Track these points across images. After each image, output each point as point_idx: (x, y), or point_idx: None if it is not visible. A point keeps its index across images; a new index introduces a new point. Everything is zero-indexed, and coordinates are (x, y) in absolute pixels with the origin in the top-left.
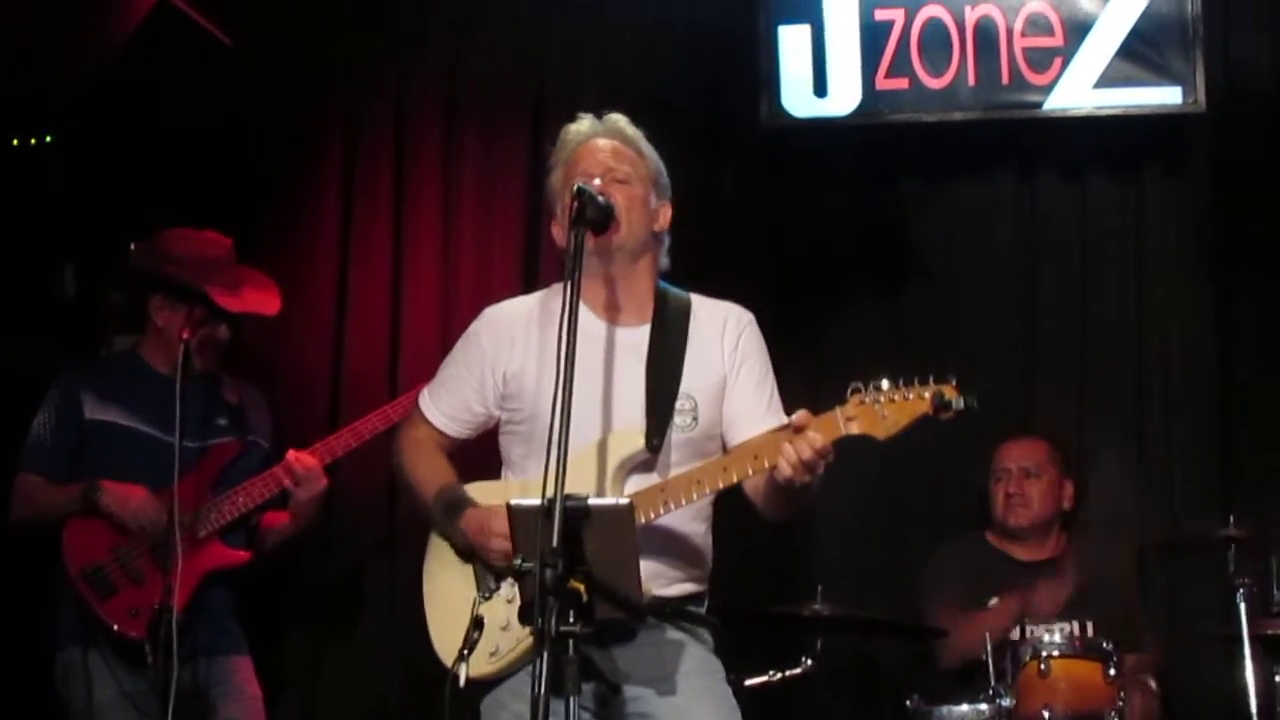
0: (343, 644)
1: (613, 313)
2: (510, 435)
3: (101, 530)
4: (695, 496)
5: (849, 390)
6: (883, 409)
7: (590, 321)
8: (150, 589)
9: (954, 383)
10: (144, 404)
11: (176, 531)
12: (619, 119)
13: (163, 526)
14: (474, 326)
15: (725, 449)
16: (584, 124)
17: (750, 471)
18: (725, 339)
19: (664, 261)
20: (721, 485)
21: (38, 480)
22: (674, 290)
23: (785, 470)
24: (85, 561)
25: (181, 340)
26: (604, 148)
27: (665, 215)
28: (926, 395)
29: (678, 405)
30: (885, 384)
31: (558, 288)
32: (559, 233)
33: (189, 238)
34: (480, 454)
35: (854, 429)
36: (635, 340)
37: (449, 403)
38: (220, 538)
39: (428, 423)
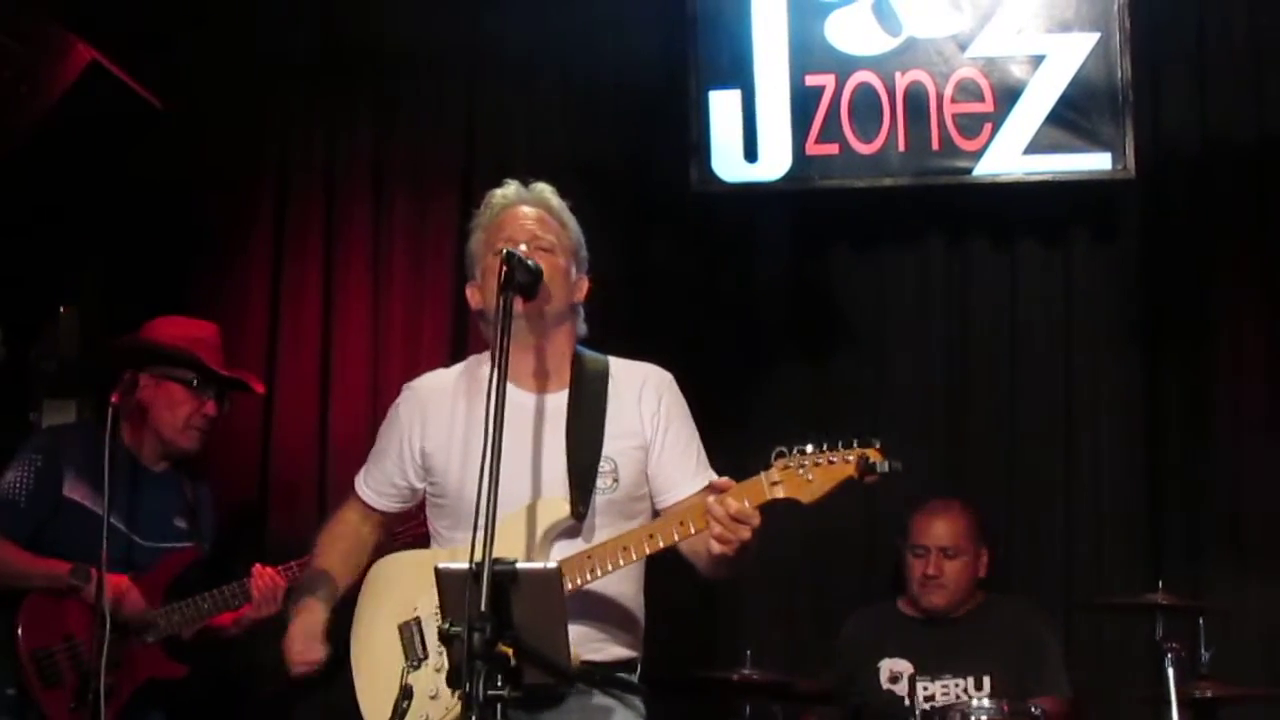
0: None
1: (532, 380)
2: (435, 508)
3: (62, 614)
4: (623, 562)
5: (774, 454)
6: (808, 473)
7: (511, 390)
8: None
9: (879, 446)
10: (117, 492)
11: (105, 607)
12: (545, 189)
13: (139, 618)
14: (396, 402)
15: (655, 510)
16: (510, 189)
17: (676, 537)
18: (646, 402)
19: (582, 329)
20: (649, 550)
21: (3, 540)
22: (590, 353)
23: (716, 529)
24: (38, 643)
25: (111, 405)
26: (530, 215)
27: (583, 288)
28: (851, 459)
29: (600, 468)
30: (810, 448)
31: (480, 358)
32: (474, 295)
33: (178, 321)
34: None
35: (779, 493)
36: (554, 406)
37: (376, 478)
38: (161, 646)
39: (360, 499)
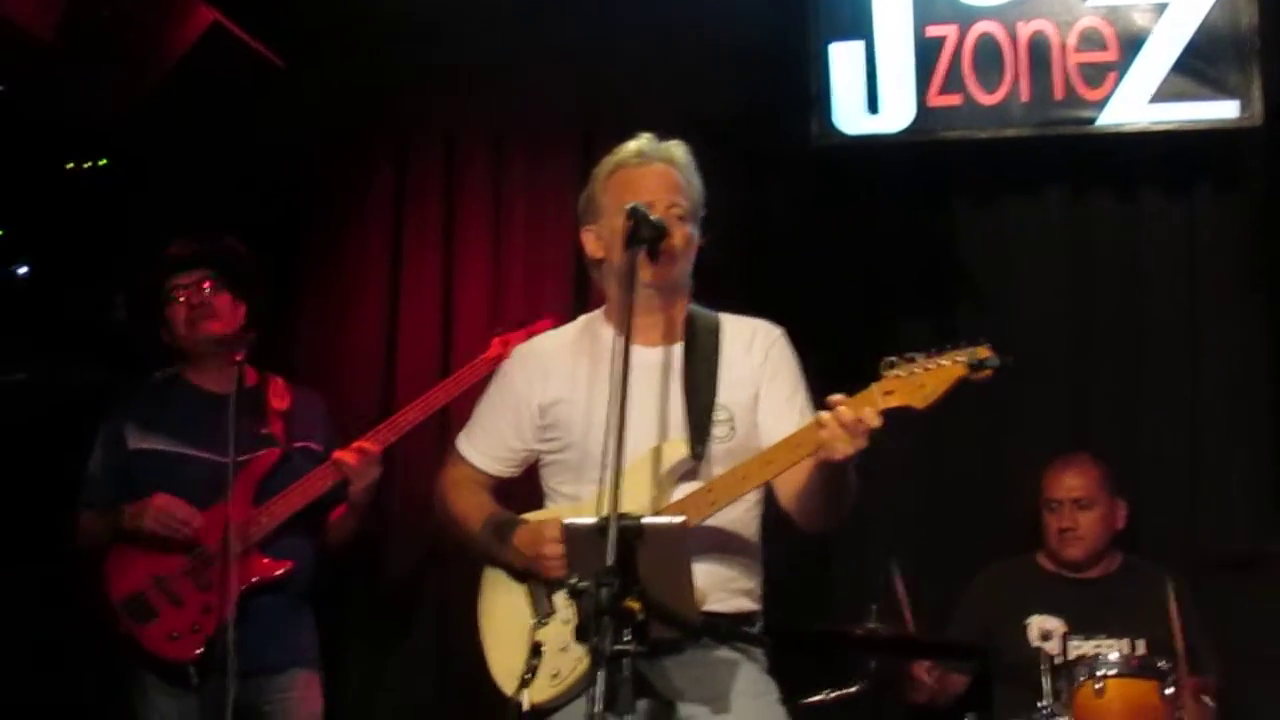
0: (394, 656)
1: (649, 335)
2: (553, 466)
3: (139, 557)
4: (742, 491)
5: (883, 365)
6: (919, 379)
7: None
8: (189, 611)
9: (987, 343)
10: (186, 425)
11: (230, 551)
12: (675, 145)
13: (192, 527)
14: (505, 365)
15: None
16: (642, 143)
17: (793, 460)
18: (755, 353)
19: (690, 284)
20: (767, 477)
21: (89, 514)
22: (701, 310)
23: (827, 436)
24: (126, 590)
25: (235, 363)
26: (662, 174)
27: (697, 243)
28: (961, 358)
29: (715, 416)
30: (920, 355)
31: (594, 315)
32: (592, 243)
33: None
34: (520, 489)
35: (893, 402)
36: (671, 359)
37: (486, 442)
38: (261, 549)
39: (467, 463)
